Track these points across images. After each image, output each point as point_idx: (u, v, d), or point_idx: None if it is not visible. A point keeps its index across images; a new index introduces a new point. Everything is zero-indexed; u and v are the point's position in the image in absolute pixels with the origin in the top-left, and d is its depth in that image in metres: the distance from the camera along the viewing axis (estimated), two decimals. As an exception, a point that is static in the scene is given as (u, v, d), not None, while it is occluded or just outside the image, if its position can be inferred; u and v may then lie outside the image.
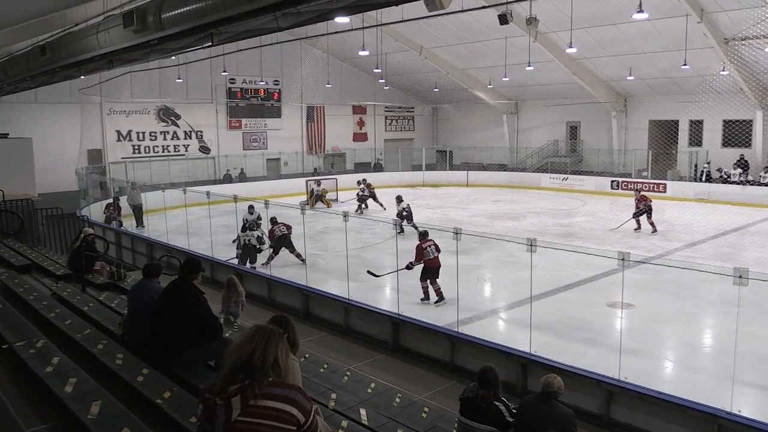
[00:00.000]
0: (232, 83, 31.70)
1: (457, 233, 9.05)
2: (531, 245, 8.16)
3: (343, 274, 11.92)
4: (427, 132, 41.34)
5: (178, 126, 30.54)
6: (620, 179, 29.62)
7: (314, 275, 13.11)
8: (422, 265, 12.07)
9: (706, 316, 11.85)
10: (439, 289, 12.11)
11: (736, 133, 27.23)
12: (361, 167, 35.34)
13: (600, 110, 31.55)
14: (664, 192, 27.62)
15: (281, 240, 14.82)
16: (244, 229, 15.37)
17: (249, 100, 32.60)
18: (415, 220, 18.12)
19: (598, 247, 15.16)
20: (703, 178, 27.45)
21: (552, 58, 27.09)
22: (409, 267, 12.01)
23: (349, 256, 11.84)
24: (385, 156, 38.21)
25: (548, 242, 14.23)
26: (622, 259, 7.37)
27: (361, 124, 38.04)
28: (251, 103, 32.72)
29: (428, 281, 12.15)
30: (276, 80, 33.19)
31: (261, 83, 32.01)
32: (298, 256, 14.96)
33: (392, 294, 12.04)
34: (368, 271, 12.18)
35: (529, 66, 24.91)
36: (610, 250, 9.33)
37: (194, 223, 18.89)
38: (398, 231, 15.22)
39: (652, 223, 19.47)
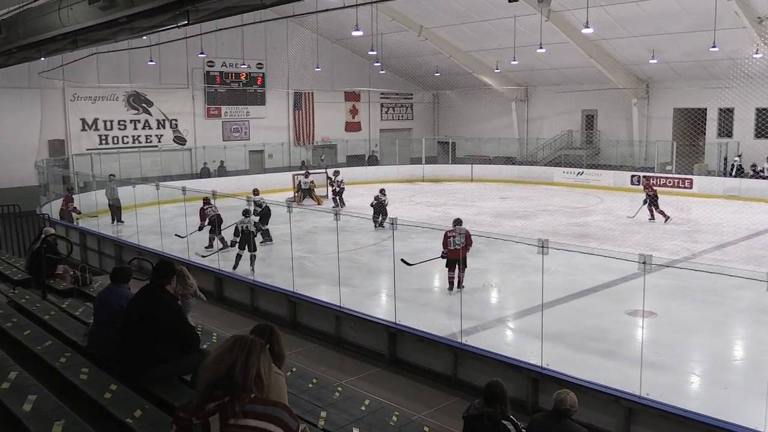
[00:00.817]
0: (210, 67, 31.66)
1: (459, 234, 9.03)
2: (542, 247, 8.16)
3: (334, 278, 11.92)
4: (427, 121, 41.35)
5: (150, 114, 30.48)
6: (641, 174, 29.64)
7: (302, 280, 13.09)
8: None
9: (736, 325, 11.88)
10: (453, 278, 13.30)
11: (770, 123, 27.35)
12: (355, 160, 35.38)
13: (619, 97, 31.62)
14: (691, 188, 27.71)
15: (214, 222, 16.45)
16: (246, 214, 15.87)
17: (229, 85, 32.56)
18: (403, 216, 18.17)
19: (617, 249, 15.20)
20: (734, 173, 27.52)
21: (566, 39, 27.12)
22: (443, 256, 13.27)
23: (340, 259, 11.83)
24: (380, 148, 38.24)
25: (561, 243, 14.27)
26: (644, 263, 7.38)
27: (354, 112, 38.03)
28: (232, 89, 32.68)
29: (453, 270, 13.26)
30: (259, 63, 33.16)
31: (243, 67, 31.99)
32: (222, 240, 16.62)
33: (389, 301, 12.04)
34: (402, 260, 12.34)
35: (541, 48, 24.94)
36: (630, 253, 9.35)
37: (168, 222, 18.86)
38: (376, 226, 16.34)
39: (661, 212, 21.09)
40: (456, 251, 13.03)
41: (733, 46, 24.09)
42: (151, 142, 30.54)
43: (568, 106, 34.12)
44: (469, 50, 32.92)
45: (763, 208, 22.82)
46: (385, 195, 20.80)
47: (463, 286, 13.16)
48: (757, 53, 23.53)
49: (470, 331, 10.23)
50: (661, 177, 28.90)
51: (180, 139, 31.42)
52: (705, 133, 30.22)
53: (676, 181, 28.34)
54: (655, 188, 22.48)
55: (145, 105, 30.29)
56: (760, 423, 6.61)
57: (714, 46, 23.10)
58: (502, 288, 14.14)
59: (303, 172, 28.39)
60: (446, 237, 13.21)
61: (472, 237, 13.37)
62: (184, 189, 15.06)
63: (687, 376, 9.46)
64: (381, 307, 12.30)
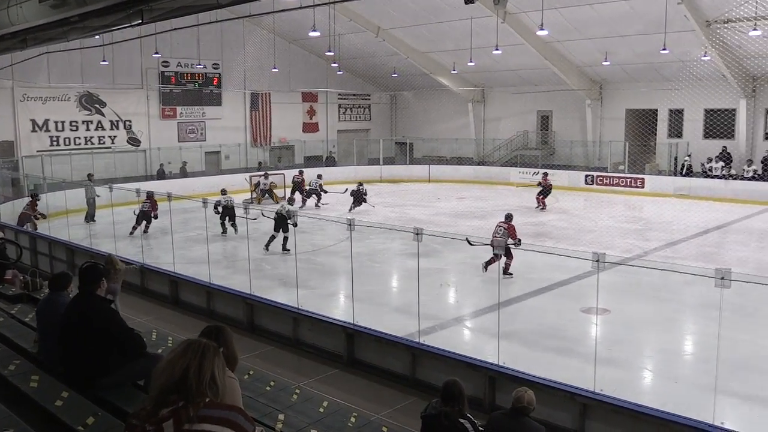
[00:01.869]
0: (165, 67, 31.19)
1: (418, 233, 9.08)
2: (499, 246, 8.25)
3: (291, 280, 11.85)
4: (384, 122, 41.42)
5: (103, 115, 29.88)
6: (595, 174, 30.23)
7: (259, 282, 13.00)
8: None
9: (686, 321, 12.18)
10: (509, 265, 14.16)
11: (718, 124, 28.07)
12: (312, 161, 35.24)
13: (573, 98, 32.14)
14: (642, 187, 28.31)
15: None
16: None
17: (185, 85, 32.13)
18: (360, 217, 18.25)
19: (572, 248, 15.43)
20: (684, 172, 28.21)
21: (521, 41, 27.45)
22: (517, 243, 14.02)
23: (298, 261, 11.78)
24: (338, 148, 38.17)
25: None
26: (597, 261, 7.51)
27: (311, 113, 37.89)
28: (187, 90, 32.25)
29: (496, 255, 14.19)
30: (215, 64, 32.80)
31: (198, 67, 31.59)
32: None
33: (347, 302, 12.03)
34: (466, 239, 12.62)
35: (497, 50, 25.20)
36: (584, 251, 9.51)
37: (123, 226, 18.54)
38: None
39: (542, 201, 24.43)
40: (495, 239, 14.29)
41: (683, 49, 24.69)
42: (104, 143, 29.94)
43: (524, 107, 34.56)
44: (427, 51, 33.07)
45: (712, 207, 23.45)
46: (363, 186, 23.72)
47: (510, 274, 14.19)
48: (705, 56, 24.16)
49: (428, 331, 10.27)
50: (614, 176, 29.48)
51: (134, 141, 30.88)
52: (656, 134, 30.91)
53: (628, 180, 28.93)
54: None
55: (97, 106, 29.68)
56: (709, 415, 6.79)
57: (664, 49, 23.63)
58: (459, 288, 14.24)
59: (262, 173, 28.20)
60: (497, 226, 14.92)
61: (430, 237, 13.40)
62: (138, 191, 14.82)
63: (639, 371, 9.66)
64: (339, 308, 12.27)
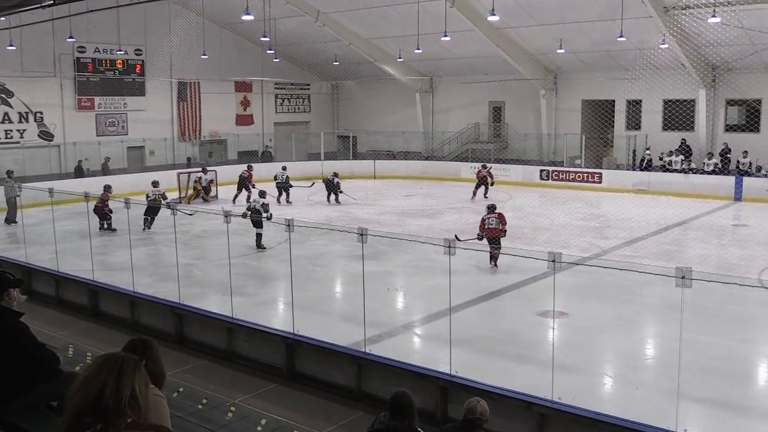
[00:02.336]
0: (81, 53, 30.44)
1: (362, 234, 9.06)
2: (449, 246, 8.29)
3: (225, 287, 11.70)
4: (325, 114, 41.30)
5: (10, 106, 28.97)
6: (550, 168, 30.76)
7: (189, 290, 12.79)
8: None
9: (647, 323, 12.48)
10: (498, 258, 15.30)
11: (678, 115, 28.88)
12: (247, 156, 34.84)
13: (527, 88, 32.63)
14: (600, 183, 28.93)
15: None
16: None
17: (104, 74, 31.42)
18: (301, 217, 18.29)
19: (527, 248, 15.64)
20: (643, 166, 28.93)
21: (471, 27, 27.73)
22: (479, 238, 15.76)
23: (233, 266, 11.64)
24: (275, 143, 37.89)
25: (469, 243, 14.61)
26: (553, 261, 7.62)
27: (245, 104, 37.51)
28: (107, 78, 31.55)
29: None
30: (138, 50, 32.15)
31: (119, 53, 30.93)
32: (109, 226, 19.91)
33: (286, 310, 11.94)
34: (455, 236, 13.56)
35: (446, 36, 25.38)
36: (539, 251, 9.64)
37: (33, 229, 18.00)
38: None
39: (474, 192, 26.66)
40: (492, 230, 15.76)
41: (640, 36, 25.29)
42: (11, 137, 29.03)
43: (475, 98, 34.93)
44: (370, 38, 33.10)
45: (672, 202, 24.10)
46: (337, 176, 25.34)
47: (497, 266, 15.48)
48: (663, 44, 24.77)
49: (375, 340, 10.26)
50: (570, 171, 30.03)
51: (46, 134, 30.03)
52: (614, 126, 31.62)
53: (585, 175, 29.52)
54: (487, 175, 27.21)
55: (4, 96, 28.77)
56: (672, 422, 6.96)
57: (621, 36, 24.15)
58: (408, 292, 14.28)
59: (198, 169, 27.88)
60: (483, 221, 16.06)
61: (375, 238, 13.41)
62: (51, 190, 14.42)
63: (599, 377, 9.84)
64: (278, 317, 12.16)
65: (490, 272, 14.95)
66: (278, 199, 25.60)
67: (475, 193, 26.89)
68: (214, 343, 10.85)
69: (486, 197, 25.56)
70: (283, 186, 26.21)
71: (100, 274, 13.55)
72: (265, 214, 17.58)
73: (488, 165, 28.46)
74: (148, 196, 20.43)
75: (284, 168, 26.91)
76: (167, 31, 31.95)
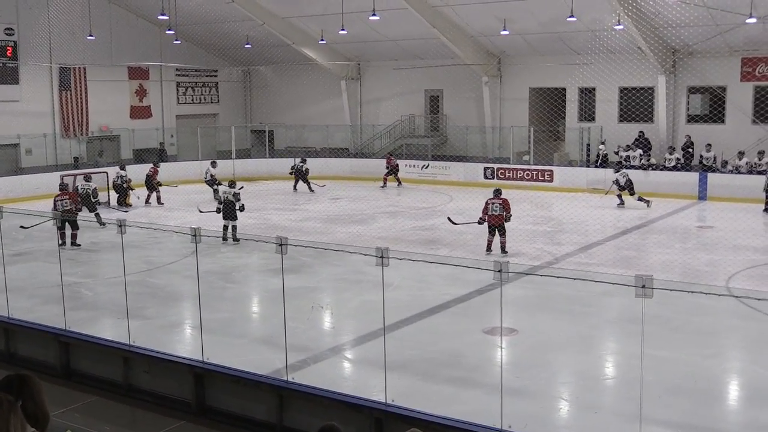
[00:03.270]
0: (-60, 33, 29.50)
1: (281, 244, 9.02)
2: (382, 257, 8.32)
3: (120, 309, 11.47)
4: (237, 105, 40.99)
5: None
6: (495, 166, 31.17)
7: (77, 314, 12.50)
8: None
9: (605, 338, 12.77)
10: (491, 241, 17.93)
11: (635, 105, 29.70)
12: (144, 154, 34.26)
13: (468, 75, 33.05)
14: (551, 181, 29.49)
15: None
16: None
17: (-32, 58, 30.51)
18: (210, 226, 18.09)
19: (470, 257, 15.86)
20: (598, 162, 29.61)
21: (404, 5, 27.92)
22: (479, 222, 18.32)
23: (129, 284, 11.43)
24: (177, 139, 37.37)
25: (405, 252, 14.69)
26: (500, 271, 7.73)
27: (141, 93, 36.92)
28: (-28, 63, 30.65)
29: (493, 234, 17.98)
30: (8, 29, 31.29)
31: (-14, 33, 30.09)
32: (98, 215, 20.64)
33: (194, 334, 11.79)
34: (448, 218, 17.49)
35: (374, 15, 25.51)
36: (484, 260, 9.78)
37: None
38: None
39: (385, 180, 30.50)
40: (495, 217, 17.91)
41: (593, 16, 25.92)
42: None
43: (409, 86, 35.16)
44: (288, 16, 33.01)
45: (630, 203, 24.72)
46: (305, 162, 28.05)
47: (507, 251, 17.74)
48: (618, 25, 25.45)
49: (298, 366, 10.22)
50: (517, 169, 30.52)
51: None
52: (565, 117, 32.28)
53: (534, 173, 30.01)
54: (396, 163, 31.11)
55: None
56: (634, 450, 7.15)
57: (571, 16, 24.69)
58: (335, 310, 14.27)
59: (80, 172, 27.26)
60: (486, 204, 18.14)
61: (297, 249, 13.39)
62: None
63: (554, 401, 10.02)
64: (184, 343, 12.00)
65: (429, 285, 15.05)
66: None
67: (385, 181, 30.39)
68: (108, 376, 10.62)
69: (399, 185, 29.81)
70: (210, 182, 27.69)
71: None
72: (237, 204, 19.47)
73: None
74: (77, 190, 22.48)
75: (213, 164, 28.85)
76: (45, 7, 31.20)
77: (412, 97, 35.79)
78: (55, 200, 19.88)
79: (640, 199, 24.37)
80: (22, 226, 17.33)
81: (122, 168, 27.01)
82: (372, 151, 36.20)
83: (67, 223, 18.66)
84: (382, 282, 8.52)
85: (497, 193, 18.60)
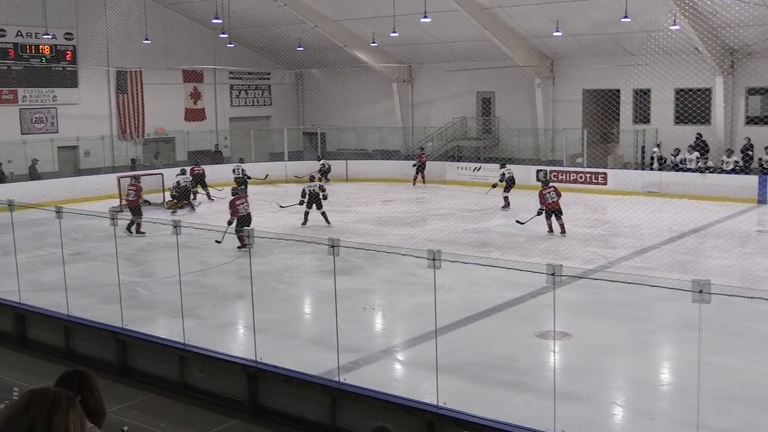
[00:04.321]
0: (0, 37, 30.20)
1: (333, 246, 9.06)
2: (434, 259, 8.31)
3: (175, 308, 11.64)
4: (289, 107, 41.24)
5: None
6: (548, 168, 30.88)
7: (134, 312, 12.72)
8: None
9: (661, 344, 12.59)
10: (564, 224, 20.53)
11: (692, 107, 29.18)
12: (198, 156, 34.68)
13: (520, 77, 32.82)
14: (605, 184, 29.16)
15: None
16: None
17: (28, 61, 31.18)
18: (262, 227, 18.29)
19: (523, 260, 15.75)
20: (655, 163, 29.17)
21: (455, 6, 27.84)
22: (539, 212, 20.77)
23: (184, 284, 11.58)
24: (231, 141, 37.75)
25: (457, 255, 14.63)
26: (553, 274, 7.67)
27: (195, 96, 37.36)
28: (32, 66, 31.30)
29: (552, 218, 20.63)
30: (68, 33, 31.94)
31: (46, 38, 30.69)
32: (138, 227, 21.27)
33: (247, 334, 11.91)
34: (517, 221, 21.00)
35: (426, 17, 25.47)
36: (537, 263, 9.72)
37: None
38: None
39: (415, 179, 31.71)
40: (553, 203, 20.49)
41: (648, 17, 25.54)
42: None
43: (461, 88, 35.01)
44: (339, 19, 33.13)
45: (687, 205, 24.33)
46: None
47: (565, 233, 20.48)
48: (674, 25, 25.04)
49: (350, 367, 10.26)
50: (570, 171, 30.23)
51: (-38, 133, 29.75)
52: (619, 119, 31.87)
53: (588, 176, 29.72)
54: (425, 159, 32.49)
55: None
56: (691, 457, 7.03)
57: (626, 17, 24.39)
58: (387, 312, 14.29)
59: (131, 174, 27.75)
60: (542, 195, 20.72)
61: (349, 250, 13.45)
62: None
63: (607, 406, 9.92)
64: (237, 343, 12.14)
65: (481, 289, 14.98)
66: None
67: (415, 180, 31.84)
68: (164, 374, 10.78)
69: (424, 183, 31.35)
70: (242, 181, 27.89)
71: (29, 296, 13.42)
72: (322, 193, 22.45)
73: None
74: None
75: (241, 160, 30.24)
76: (103, 12, 31.79)
77: (464, 99, 35.64)
78: (128, 189, 22.61)
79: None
80: (518, 221, 21.45)
81: (183, 172, 27.71)
82: (424, 153, 36.10)
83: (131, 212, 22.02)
84: (434, 284, 8.51)
85: (546, 182, 21.48)
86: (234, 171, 29.61)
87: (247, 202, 19.72)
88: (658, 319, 13.19)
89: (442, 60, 34.92)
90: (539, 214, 20.66)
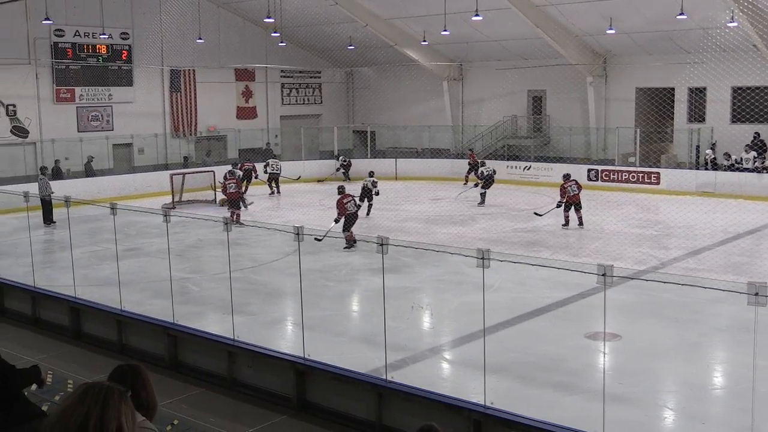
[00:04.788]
0: (59, 37, 30.77)
1: (382, 244, 9.07)
2: (483, 258, 8.28)
3: (225, 305, 11.76)
4: (339, 106, 41.39)
5: (-21, 98, 29.40)
6: (600, 168, 30.60)
7: (185, 308, 12.88)
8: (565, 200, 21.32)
9: (714, 347, 12.37)
10: (568, 217, 21.33)
11: (749, 105, 28.62)
12: (249, 154, 35.02)
13: (572, 75, 32.53)
14: (658, 184, 28.74)
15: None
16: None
17: (85, 60, 31.74)
18: (312, 224, 18.36)
19: (573, 260, 15.62)
20: (708, 165, 28.69)
21: (507, 4, 27.71)
22: (559, 205, 21.43)
23: (234, 280, 11.70)
24: (281, 139, 38.03)
25: (507, 254, 14.56)
26: (604, 275, 7.58)
27: (247, 95, 37.70)
28: (89, 66, 31.87)
29: (570, 211, 21.29)
30: (124, 33, 32.46)
31: (102, 37, 31.21)
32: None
33: (295, 331, 11.98)
34: (535, 212, 21.86)
35: (477, 15, 25.37)
36: (588, 263, 9.61)
37: (5, 239, 18.23)
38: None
39: (466, 179, 30.78)
40: (574, 195, 21.18)
41: (704, 14, 25.16)
42: (-19, 134, 29.46)
43: (512, 87, 34.82)
44: (390, 18, 33.16)
45: (742, 206, 23.89)
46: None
47: (583, 225, 21.19)
48: (732, 22, 24.60)
49: (397, 365, 10.27)
50: (623, 171, 29.86)
51: (20, 130, 30.39)
52: (673, 118, 31.41)
53: (640, 175, 29.33)
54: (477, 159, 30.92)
55: (-28, 87, 29.20)
56: (744, 463, 6.91)
57: (682, 14, 23.99)
58: (435, 310, 14.28)
59: (183, 172, 28.13)
60: (563, 188, 21.32)
61: (398, 249, 13.46)
62: (26, 194, 14.56)
63: (658, 410, 9.77)
64: (286, 340, 12.21)
65: (530, 288, 14.88)
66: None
67: (467, 180, 30.87)
68: (213, 369, 10.88)
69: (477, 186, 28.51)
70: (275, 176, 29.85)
71: (83, 290, 13.66)
72: (374, 189, 23.61)
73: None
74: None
75: (269, 143, 31.59)
76: (157, 12, 32.26)
77: (515, 98, 35.43)
78: (225, 184, 23.85)
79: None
80: (536, 213, 22.13)
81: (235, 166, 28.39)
82: (474, 151, 35.95)
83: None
84: (482, 283, 8.47)
85: (568, 176, 21.90)
86: (267, 166, 30.48)
87: (354, 200, 19.58)
88: (711, 321, 12.96)
89: (493, 58, 34.76)
90: (559, 206, 21.35)
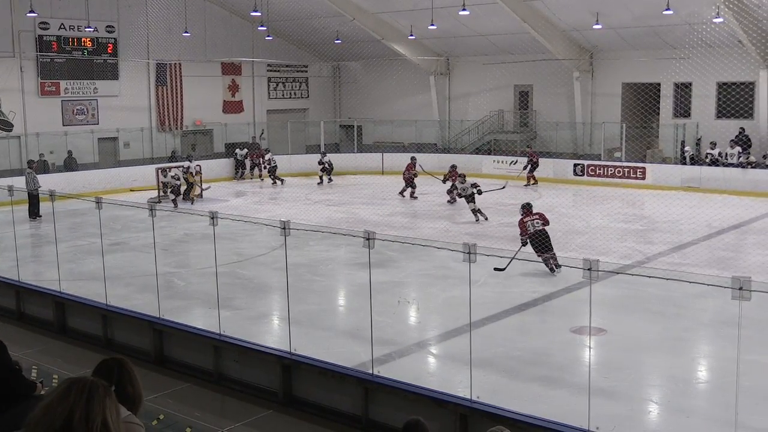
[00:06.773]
0: (44, 30, 30.59)
1: (368, 239, 9.07)
2: (469, 253, 8.29)
3: (211, 299, 11.74)
4: (326, 100, 41.34)
5: (-37, 91, 29.19)
6: (586, 162, 30.69)
7: (170, 302, 12.84)
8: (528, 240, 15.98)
9: (699, 341, 12.45)
10: (556, 258, 15.35)
11: (734, 100, 28.76)
12: (234, 149, 34.93)
13: (558, 70, 32.59)
14: (644, 179, 28.87)
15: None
16: None
17: (70, 54, 31.57)
18: (298, 219, 18.28)
19: (559, 254, 15.64)
20: (687, 161, 28.81)
21: (494, -1, 27.74)
22: (524, 243, 15.84)
23: (220, 275, 11.67)
24: (268, 133, 37.97)
25: (492, 248, 14.61)
26: (590, 269, 7.61)
27: (233, 89, 37.60)
28: (74, 59, 31.69)
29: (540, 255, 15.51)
30: (110, 26, 32.28)
31: (88, 30, 31.02)
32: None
33: (282, 326, 11.98)
34: (495, 269, 14.12)
35: (464, 10, 25.38)
36: (573, 258, 9.65)
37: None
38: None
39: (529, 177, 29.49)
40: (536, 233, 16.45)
41: (690, 9, 25.23)
42: (-35, 128, 29.25)
43: (498, 81, 34.84)
44: (377, 11, 33.13)
45: (726, 201, 23.99)
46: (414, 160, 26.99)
47: (556, 271, 15.18)
48: (717, 17, 24.71)
49: (384, 360, 10.28)
50: (608, 166, 29.97)
51: (5, 124, 30.20)
52: (659, 113, 31.52)
53: (626, 170, 29.45)
54: (536, 156, 30.08)
55: (-45, 80, 29.00)
56: (728, 456, 6.95)
57: (668, 9, 24.14)
58: (421, 305, 14.29)
59: (170, 166, 28.00)
60: (523, 224, 16.10)
61: (384, 243, 13.45)
62: (10, 188, 14.47)
63: (643, 403, 9.83)
64: (272, 334, 12.22)
65: (516, 283, 14.92)
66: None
67: (529, 180, 29.49)
68: (199, 364, 10.86)
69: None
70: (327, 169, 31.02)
71: (68, 285, 13.59)
72: (475, 189, 22.66)
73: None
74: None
75: (260, 138, 32.62)
76: (143, 5, 32.04)
77: (501, 93, 35.46)
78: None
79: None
80: (496, 268, 14.37)
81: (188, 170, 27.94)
82: (461, 146, 36.02)
83: None
84: (468, 278, 8.48)
85: (528, 208, 16.45)
86: (270, 161, 31.30)
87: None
88: (696, 316, 13.04)
89: (480, 53, 34.77)
90: (523, 245, 16.00)
